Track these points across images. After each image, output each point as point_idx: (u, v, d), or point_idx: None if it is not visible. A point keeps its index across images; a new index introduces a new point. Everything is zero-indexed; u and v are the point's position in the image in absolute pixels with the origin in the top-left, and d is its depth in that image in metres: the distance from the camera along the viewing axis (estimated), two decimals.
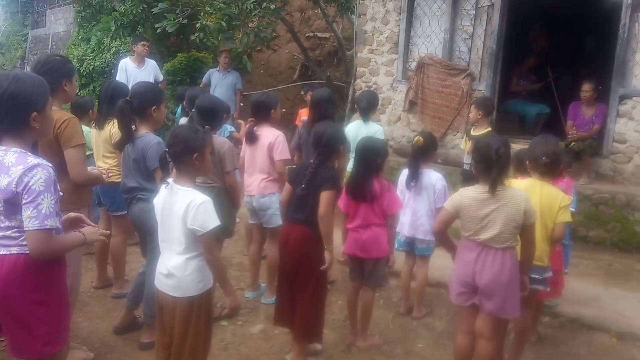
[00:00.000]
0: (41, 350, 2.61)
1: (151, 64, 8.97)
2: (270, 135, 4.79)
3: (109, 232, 2.99)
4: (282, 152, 4.75)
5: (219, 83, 9.39)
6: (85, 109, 5.64)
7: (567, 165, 4.75)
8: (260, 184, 4.83)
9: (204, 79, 9.54)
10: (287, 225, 3.98)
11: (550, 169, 3.67)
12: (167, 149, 3.10)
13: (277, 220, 4.63)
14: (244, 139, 5.01)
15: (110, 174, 4.26)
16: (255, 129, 4.88)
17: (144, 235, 4.03)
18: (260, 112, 4.90)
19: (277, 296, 4.13)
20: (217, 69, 9.57)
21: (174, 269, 3.03)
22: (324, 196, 3.68)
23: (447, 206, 3.44)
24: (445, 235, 3.58)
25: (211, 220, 2.95)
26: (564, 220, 3.60)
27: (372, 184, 3.95)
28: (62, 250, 2.62)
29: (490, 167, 3.25)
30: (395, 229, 4.26)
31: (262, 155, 4.81)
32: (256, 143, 4.84)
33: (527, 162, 3.77)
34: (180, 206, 2.96)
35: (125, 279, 5.06)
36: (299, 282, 3.87)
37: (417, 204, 4.59)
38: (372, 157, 4.00)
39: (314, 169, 3.78)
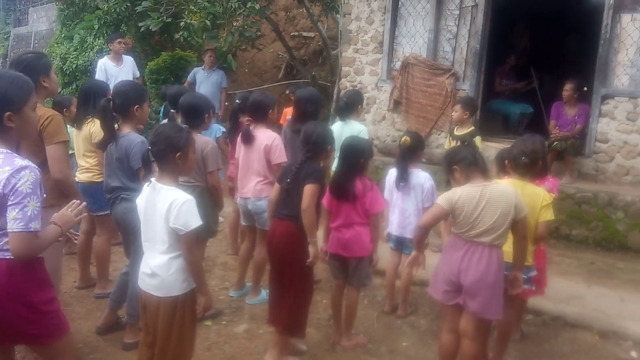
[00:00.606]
0: (31, 342, 2.63)
1: (129, 61, 8.91)
2: (266, 137, 4.70)
3: (85, 203, 2.87)
4: (280, 155, 4.69)
5: (204, 81, 9.34)
6: (61, 107, 5.53)
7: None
8: (256, 187, 4.75)
9: (189, 78, 9.49)
10: (274, 222, 3.99)
11: (530, 168, 3.69)
12: (149, 147, 3.08)
13: None
14: (239, 138, 4.91)
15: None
16: (251, 128, 4.80)
17: (127, 235, 4.00)
18: (258, 112, 4.79)
19: (269, 295, 4.13)
20: (202, 67, 9.53)
21: (158, 269, 3.01)
22: (307, 189, 3.69)
23: (442, 203, 3.40)
24: (427, 233, 3.59)
25: (193, 219, 2.94)
26: (546, 218, 3.63)
27: (355, 184, 3.96)
28: (42, 249, 2.58)
29: (476, 160, 3.40)
30: (379, 229, 4.24)
31: (259, 158, 4.72)
32: (252, 144, 4.75)
33: (507, 161, 3.80)
34: (163, 205, 2.94)
35: (108, 279, 5.02)
36: (285, 276, 3.87)
37: (406, 203, 4.59)
38: (355, 156, 4.01)
39: (300, 165, 3.81)
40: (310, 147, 3.85)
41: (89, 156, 4.90)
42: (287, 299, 3.86)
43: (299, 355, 4.10)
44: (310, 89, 6.21)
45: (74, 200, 2.86)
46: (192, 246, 3.00)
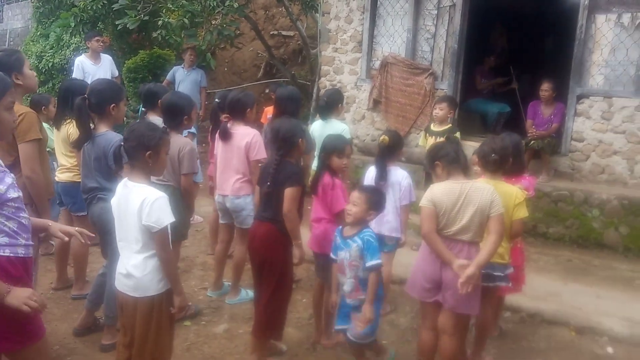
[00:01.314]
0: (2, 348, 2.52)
1: (107, 60, 8.81)
2: (246, 134, 4.68)
3: (34, 300, 2.41)
4: (259, 152, 4.67)
5: (184, 80, 9.27)
6: (38, 106, 5.44)
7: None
8: (234, 185, 4.72)
9: (169, 76, 9.40)
10: (255, 223, 3.98)
11: (500, 165, 3.71)
12: (122, 143, 3.04)
13: (251, 221, 4.57)
14: (217, 135, 4.87)
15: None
16: (229, 126, 4.78)
17: (104, 236, 3.94)
18: (236, 110, 4.77)
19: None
20: (182, 66, 9.46)
21: (133, 269, 2.98)
22: (288, 193, 3.67)
23: (425, 203, 3.39)
24: (436, 235, 3.38)
25: (166, 216, 2.91)
26: (520, 216, 3.66)
27: (318, 178, 3.99)
28: None
29: (458, 156, 3.44)
30: None
31: (239, 155, 4.69)
32: (230, 141, 4.72)
33: (478, 160, 3.81)
34: (135, 203, 2.90)
35: (85, 280, 4.96)
36: (263, 278, 3.86)
37: None
38: (321, 151, 4.05)
39: (277, 165, 3.77)
40: (280, 143, 3.82)
41: (70, 156, 4.81)
42: (263, 300, 3.85)
43: (280, 355, 4.09)
44: (291, 87, 6.21)
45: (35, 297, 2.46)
46: (165, 244, 2.97)
